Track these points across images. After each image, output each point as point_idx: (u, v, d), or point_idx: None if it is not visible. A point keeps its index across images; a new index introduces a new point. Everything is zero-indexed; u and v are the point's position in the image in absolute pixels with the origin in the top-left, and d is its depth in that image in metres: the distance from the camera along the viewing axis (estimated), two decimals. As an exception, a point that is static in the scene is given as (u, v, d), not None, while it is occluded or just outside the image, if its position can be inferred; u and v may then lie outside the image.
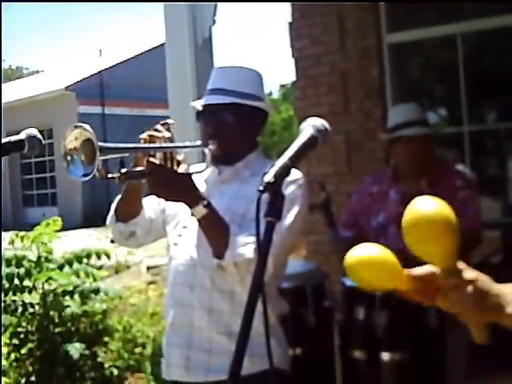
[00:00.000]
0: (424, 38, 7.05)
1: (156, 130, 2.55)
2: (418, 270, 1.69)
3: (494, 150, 7.87)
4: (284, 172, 1.71)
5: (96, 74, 29.93)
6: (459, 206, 3.70)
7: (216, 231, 2.58)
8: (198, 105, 2.88)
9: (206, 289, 2.72)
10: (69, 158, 2.27)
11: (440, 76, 7.82)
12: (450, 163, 4.32)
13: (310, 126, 1.86)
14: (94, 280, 5.50)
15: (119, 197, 2.79)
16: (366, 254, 1.72)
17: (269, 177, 1.68)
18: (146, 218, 2.88)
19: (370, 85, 6.70)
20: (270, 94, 47.15)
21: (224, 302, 2.71)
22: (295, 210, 2.67)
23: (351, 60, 6.80)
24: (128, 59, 31.23)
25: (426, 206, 1.62)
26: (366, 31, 6.79)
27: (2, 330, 5.22)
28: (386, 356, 3.39)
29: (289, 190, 2.62)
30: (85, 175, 2.24)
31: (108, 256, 5.50)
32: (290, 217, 2.64)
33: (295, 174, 2.68)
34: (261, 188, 1.67)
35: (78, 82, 29.69)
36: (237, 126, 2.80)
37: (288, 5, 7.28)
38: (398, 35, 6.84)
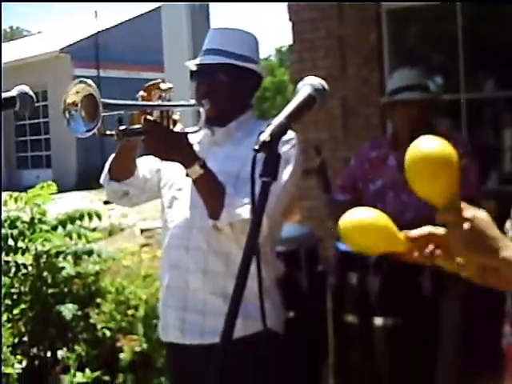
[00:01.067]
0: (423, 5, 6.99)
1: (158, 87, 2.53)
2: (416, 231, 1.71)
3: (490, 119, 7.85)
4: (280, 131, 1.68)
5: (91, 36, 29.73)
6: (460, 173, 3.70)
7: (211, 192, 2.57)
8: (193, 64, 2.87)
9: (201, 251, 2.72)
10: (67, 114, 2.24)
11: (438, 43, 7.76)
12: (448, 131, 4.30)
13: (308, 85, 1.82)
14: (87, 242, 5.50)
15: (113, 156, 2.78)
16: (359, 217, 1.73)
17: (265, 136, 1.65)
18: (139, 178, 2.86)
19: (368, 50, 6.66)
20: (268, 57, 46.99)
21: (219, 263, 2.71)
22: (289, 169, 2.66)
23: (349, 25, 6.74)
24: (124, 22, 31.03)
25: (427, 144, 1.61)
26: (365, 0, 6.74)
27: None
28: (378, 321, 3.40)
29: (282, 149, 2.58)
30: (87, 131, 2.22)
31: (99, 217, 5.48)
32: (283, 176, 2.63)
33: (289, 133, 2.66)
34: (256, 147, 1.64)
35: (73, 44, 29.50)
36: (230, 87, 2.79)
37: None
38: (396, 1, 6.78)
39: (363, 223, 1.72)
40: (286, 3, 7.19)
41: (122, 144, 2.63)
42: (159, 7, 5.64)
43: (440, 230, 1.71)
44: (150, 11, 29.14)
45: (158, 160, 2.75)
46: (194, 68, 2.87)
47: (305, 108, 1.80)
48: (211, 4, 5.62)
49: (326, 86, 1.85)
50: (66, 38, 30.92)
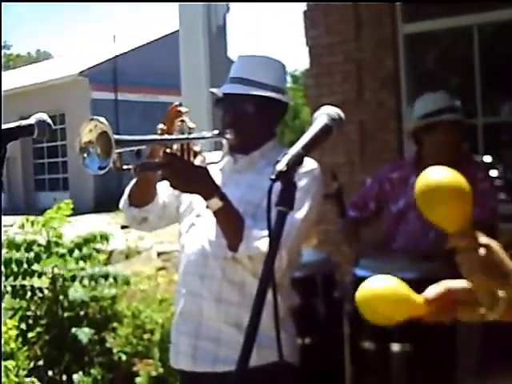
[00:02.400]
0: (440, 29, 7.01)
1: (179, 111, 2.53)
2: (432, 292, 1.70)
3: (508, 143, 7.82)
4: (297, 161, 1.68)
5: (110, 59, 29.96)
6: (478, 197, 3.69)
7: (231, 224, 2.56)
8: (219, 92, 2.85)
9: (216, 279, 2.70)
10: (85, 153, 2.23)
11: (455, 67, 7.78)
12: (471, 154, 4.30)
13: (324, 115, 1.83)
14: (101, 264, 5.51)
15: (134, 181, 2.78)
16: (377, 287, 1.71)
17: (281, 165, 1.65)
18: (159, 204, 2.86)
19: (385, 75, 6.67)
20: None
21: (234, 293, 2.69)
22: (310, 201, 2.64)
23: (366, 50, 6.76)
24: (142, 45, 31.26)
25: (435, 173, 1.66)
26: (381, 21, 6.75)
27: (12, 313, 5.23)
28: (396, 347, 3.36)
29: (304, 180, 2.60)
30: (100, 168, 2.21)
31: (107, 240, 5.49)
32: (304, 208, 2.62)
33: (311, 163, 2.67)
34: (273, 177, 1.64)
35: (91, 67, 29.75)
36: (256, 117, 2.78)
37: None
38: (413, 25, 6.80)
39: (381, 294, 1.71)
40: (304, 28, 7.21)
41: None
42: (177, 31, 5.66)
43: (456, 284, 1.71)
44: (167, 35, 29.36)
45: None
46: (221, 95, 2.85)
47: (321, 137, 1.80)
48: (229, 27, 5.63)
49: (342, 115, 1.86)
50: (84, 61, 31.21)
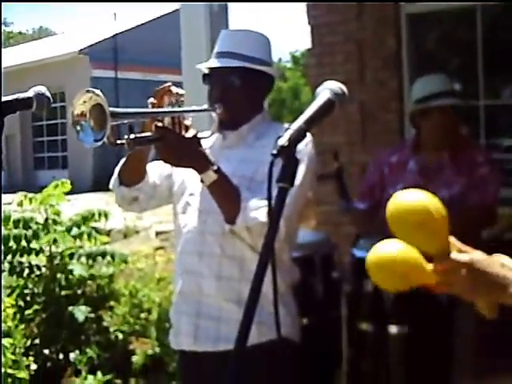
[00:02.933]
0: (442, 10, 6.94)
1: (169, 91, 2.49)
2: (440, 264, 1.66)
3: (509, 125, 7.78)
4: (299, 136, 1.65)
5: (110, 37, 29.85)
6: (478, 182, 3.69)
7: (227, 196, 2.53)
8: (205, 67, 2.84)
9: (215, 256, 2.68)
10: (77, 126, 2.20)
11: (457, 48, 7.71)
12: (470, 138, 4.28)
13: (327, 90, 1.79)
14: (100, 243, 5.48)
15: (123, 160, 2.74)
16: (386, 252, 1.67)
17: (283, 140, 1.61)
18: (149, 184, 2.82)
19: (386, 55, 6.62)
20: (280, 61, 46.99)
21: (234, 268, 2.67)
22: (303, 169, 2.60)
23: (368, 29, 6.71)
24: (142, 24, 31.15)
25: (406, 197, 1.62)
26: (383, 0, 6.69)
27: (9, 291, 5.21)
28: (393, 329, 3.34)
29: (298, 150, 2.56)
30: (96, 141, 2.17)
31: (106, 217, 5.46)
32: (298, 177, 2.58)
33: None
34: (274, 152, 1.60)
35: (91, 45, 29.65)
36: (243, 90, 2.75)
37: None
38: (416, 5, 6.74)
39: (390, 259, 1.67)
40: (305, 7, 7.16)
41: (133, 150, 2.60)
42: (177, 9, 5.60)
43: (464, 256, 1.67)
44: (168, 14, 29.23)
45: (169, 166, 2.73)
46: (207, 71, 2.83)
47: (324, 113, 1.76)
48: (230, 5, 5.57)
49: (346, 90, 1.82)
50: (84, 39, 31.09)
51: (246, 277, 2.57)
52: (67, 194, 5.50)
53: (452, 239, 1.67)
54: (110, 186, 2.83)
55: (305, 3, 7.19)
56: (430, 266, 1.64)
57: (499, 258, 1.63)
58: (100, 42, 29.92)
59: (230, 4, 5.58)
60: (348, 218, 4.12)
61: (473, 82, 6.72)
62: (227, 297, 2.66)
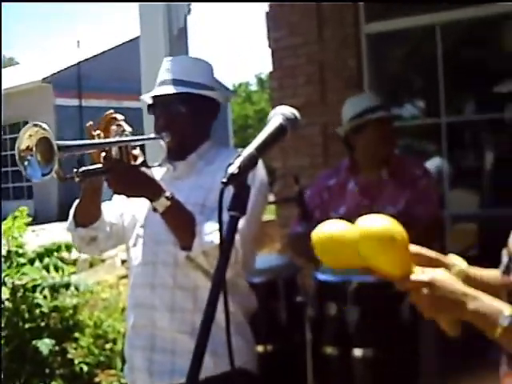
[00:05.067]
0: (402, 29, 6.97)
1: (114, 119, 2.43)
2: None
3: (472, 142, 7.83)
4: (250, 163, 1.64)
5: (73, 65, 29.76)
6: (420, 194, 3.72)
7: (182, 222, 2.48)
8: (148, 98, 2.80)
9: (167, 287, 2.63)
10: (24, 161, 2.14)
11: (418, 67, 7.76)
12: (403, 154, 4.34)
13: (279, 115, 1.78)
14: (66, 274, 5.41)
15: (77, 201, 2.68)
16: (332, 229, 1.74)
17: (233, 168, 1.59)
18: (106, 222, 2.76)
19: (348, 75, 6.62)
20: (247, 84, 47.20)
21: (187, 299, 2.62)
22: (257, 196, 2.58)
23: (329, 50, 6.71)
24: (106, 51, 31.11)
25: (374, 222, 1.67)
26: (344, 21, 6.71)
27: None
28: (358, 352, 3.30)
29: (250, 176, 2.53)
30: (44, 175, 2.12)
31: (69, 250, 5.39)
32: (257, 205, 2.57)
33: None
34: (224, 180, 1.57)
35: (54, 73, 29.52)
36: (189, 117, 2.72)
37: (266, -6, 7.17)
38: (376, 25, 6.76)
39: (337, 235, 1.72)
40: (266, 30, 7.15)
41: (86, 187, 2.55)
42: (139, 36, 5.58)
43: (425, 251, 1.84)
44: (131, 40, 29.20)
45: (121, 202, 2.72)
46: (150, 101, 2.80)
47: (276, 138, 1.76)
48: (190, 29, 5.55)
49: (298, 115, 1.80)
50: (48, 67, 30.96)
51: (200, 307, 2.52)
52: (32, 224, 5.42)
53: (422, 250, 1.81)
54: (67, 230, 2.77)
55: (266, 27, 7.17)
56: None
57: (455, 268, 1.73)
58: (63, 70, 29.81)
59: (189, 29, 5.56)
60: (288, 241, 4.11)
61: (434, 100, 6.74)
62: (181, 329, 2.60)
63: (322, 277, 3.44)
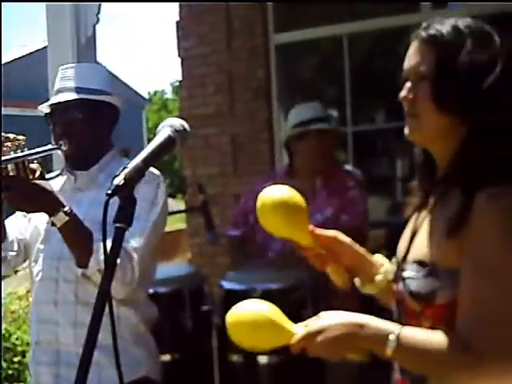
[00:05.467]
0: (311, 39, 7.05)
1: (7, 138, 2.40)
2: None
3: (381, 150, 7.96)
4: (136, 175, 1.64)
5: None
6: (348, 204, 3.81)
7: (79, 239, 2.45)
8: (45, 107, 2.77)
9: (69, 303, 2.62)
10: None
11: (327, 77, 7.86)
12: (341, 163, 4.42)
13: (168, 127, 1.80)
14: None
15: None
16: (248, 313, 1.81)
17: (118, 180, 1.60)
18: (13, 240, 2.72)
19: (257, 85, 6.66)
20: (163, 92, 46.90)
21: (89, 315, 2.58)
22: (157, 209, 2.60)
23: (238, 60, 6.74)
24: (18, 58, 30.58)
25: (278, 191, 1.80)
26: (253, 31, 6.74)
27: None
28: (263, 359, 3.33)
29: (147, 190, 2.55)
30: None
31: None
32: (152, 217, 2.57)
33: (153, 172, 2.63)
34: (109, 192, 1.58)
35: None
36: (86, 123, 2.69)
37: (176, 3, 7.17)
38: (285, 36, 6.82)
39: (251, 321, 1.75)
40: (176, 39, 7.15)
41: None
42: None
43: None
44: (44, 48, 28.79)
45: (23, 218, 2.68)
46: (47, 110, 2.76)
47: (164, 150, 1.78)
48: (99, 38, 5.52)
49: (187, 126, 1.83)
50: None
51: (103, 322, 2.51)
52: None
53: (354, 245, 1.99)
54: None
55: (176, 36, 7.17)
56: (290, 327, 1.78)
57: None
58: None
59: (98, 37, 5.53)
60: (218, 248, 4.15)
61: (342, 109, 6.83)
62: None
63: (227, 285, 3.47)
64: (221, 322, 3.54)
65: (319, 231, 1.91)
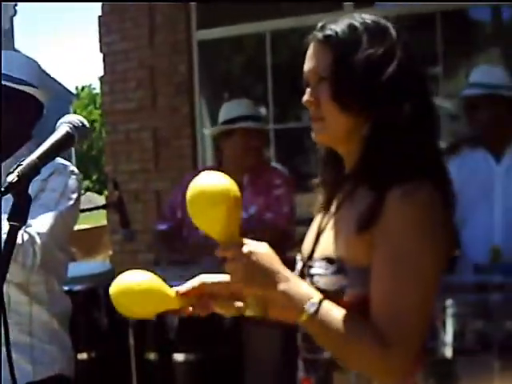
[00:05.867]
0: (234, 36, 7.05)
1: None
2: (184, 286, 1.79)
3: (310, 148, 7.99)
4: (31, 171, 1.61)
5: None
6: (273, 202, 3.81)
7: None
8: None
9: None
10: None
11: (250, 73, 7.86)
12: (268, 161, 4.41)
13: (66, 124, 1.77)
14: None
15: None
16: (126, 282, 1.73)
17: (12, 177, 1.56)
18: None
19: (179, 81, 6.64)
20: (90, 86, 46.35)
21: None
22: (66, 201, 2.54)
23: (160, 56, 6.70)
24: None
25: (204, 179, 1.66)
26: (176, 27, 6.72)
27: None
28: (179, 357, 3.32)
29: (58, 181, 2.52)
30: None
31: None
32: (60, 207, 2.51)
33: (67, 166, 2.59)
34: (2, 189, 1.54)
35: None
36: (7, 111, 2.58)
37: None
38: (207, 32, 6.80)
39: (131, 288, 1.71)
40: (98, 35, 7.07)
41: None
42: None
43: (211, 278, 1.82)
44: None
45: None
46: None
47: (61, 146, 1.75)
48: (17, 30, 5.42)
49: (86, 123, 1.81)
50: None
51: (15, 321, 2.43)
52: None
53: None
54: None
55: (98, 31, 7.09)
56: (172, 293, 1.72)
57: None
58: None
59: (16, 28, 5.44)
60: (139, 245, 4.12)
61: (265, 106, 6.84)
62: None
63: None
64: (137, 320, 3.52)
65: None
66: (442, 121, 6.39)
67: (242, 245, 1.61)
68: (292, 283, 1.62)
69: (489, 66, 4.29)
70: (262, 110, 7.20)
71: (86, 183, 33.33)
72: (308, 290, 1.63)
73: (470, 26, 6.78)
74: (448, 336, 2.69)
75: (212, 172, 1.69)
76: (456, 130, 5.56)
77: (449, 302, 2.67)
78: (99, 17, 7.11)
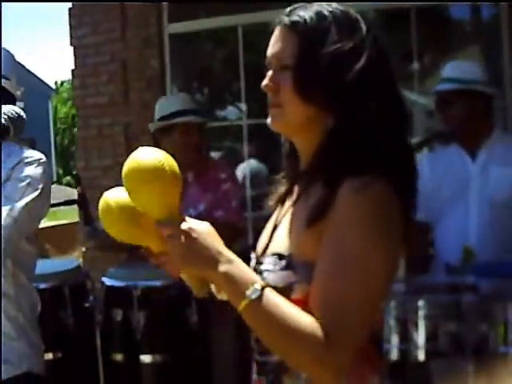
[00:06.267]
0: (206, 29, 6.99)
1: None
2: (161, 228, 1.60)
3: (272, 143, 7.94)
4: None
5: None
6: (221, 197, 3.75)
7: None
8: None
9: None
10: None
11: (222, 68, 7.82)
12: (212, 157, 4.35)
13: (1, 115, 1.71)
14: None
15: None
16: (110, 198, 1.62)
17: None
18: None
19: (150, 75, 6.56)
20: (69, 80, 46.09)
21: None
22: (32, 191, 2.49)
23: (132, 49, 6.62)
24: None
25: (140, 154, 1.55)
26: (147, 21, 6.64)
27: None
28: (146, 358, 3.28)
29: (26, 171, 2.44)
30: None
31: None
32: (26, 199, 2.46)
33: (35, 154, 2.49)
34: None
35: None
36: None
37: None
38: (179, 25, 6.73)
39: (109, 205, 1.61)
40: (68, 28, 6.98)
41: None
42: None
43: (185, 224, 1.64)
44: None
45: None
46: None
47: None
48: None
49: (22, 113, 1.75)
50: None
51: None
52: None
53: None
54: None
55: (68, 24, 7.00)
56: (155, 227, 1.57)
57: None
58: None
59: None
60: (94, 243, 4.04)
61: (238, 102, 6.80)
62: None
63: (108, 282, 3.40)
64: (102, 320, 3.46)
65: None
66: (419, 117, 6.45)
67: (180, 222, 1.53)
68: (235, 266, 1.54)
69: (462, 61, 4.26)
70: (242, 106, 7.18)
71: (68, 178, 33.14)
72: (252, 275, 1.55)
73: (448, 23, 6.76)
74: (421, 338, 2.66)
75: (148, 148, 1.58)
76: (432, 127, 5.53)
77: (421, 302, 2.63)
78: (69, 9, 7.01)
